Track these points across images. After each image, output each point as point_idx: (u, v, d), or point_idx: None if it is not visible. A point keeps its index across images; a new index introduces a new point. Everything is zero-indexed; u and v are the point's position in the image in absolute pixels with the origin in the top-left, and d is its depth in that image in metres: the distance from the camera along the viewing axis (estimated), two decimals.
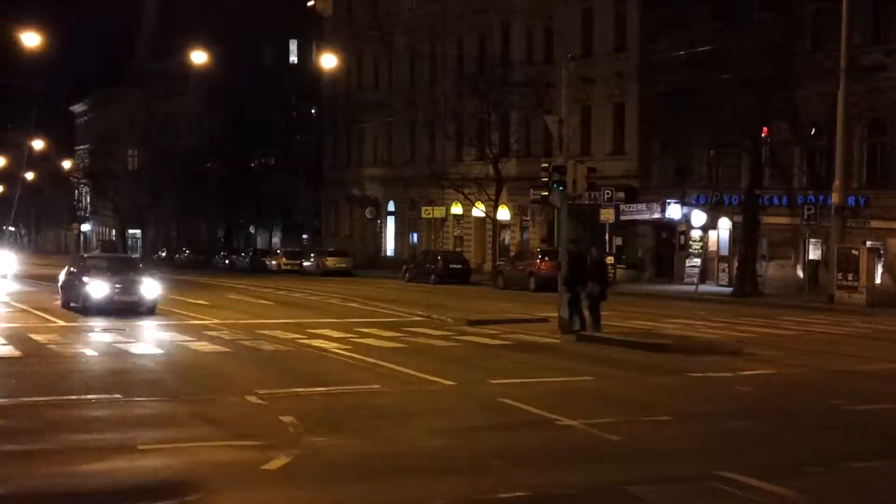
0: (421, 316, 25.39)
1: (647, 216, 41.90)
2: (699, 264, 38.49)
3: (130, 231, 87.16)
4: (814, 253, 34.84)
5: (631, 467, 9.20)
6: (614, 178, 41.28)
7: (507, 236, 50.47)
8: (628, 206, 41.99)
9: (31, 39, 32.38)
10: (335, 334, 20.41)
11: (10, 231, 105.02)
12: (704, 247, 39.54)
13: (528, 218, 49.00)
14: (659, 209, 40.89)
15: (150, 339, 19.16)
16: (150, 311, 24.65)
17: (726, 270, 39.10)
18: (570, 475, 8.89)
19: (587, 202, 38.53)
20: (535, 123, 44.09)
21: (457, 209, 53.14)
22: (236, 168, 67.30)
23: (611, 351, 18.14)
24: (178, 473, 8.72)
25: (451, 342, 19.43)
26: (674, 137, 39.56)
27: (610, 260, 40.33)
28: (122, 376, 14.42)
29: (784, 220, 36.40)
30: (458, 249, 51.31)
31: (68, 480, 8.46)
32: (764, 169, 35.43)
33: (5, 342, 18.19)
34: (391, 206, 60.20)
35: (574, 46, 41.51)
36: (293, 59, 71.26)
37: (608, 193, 41.13)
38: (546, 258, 37.46)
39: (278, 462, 9.04)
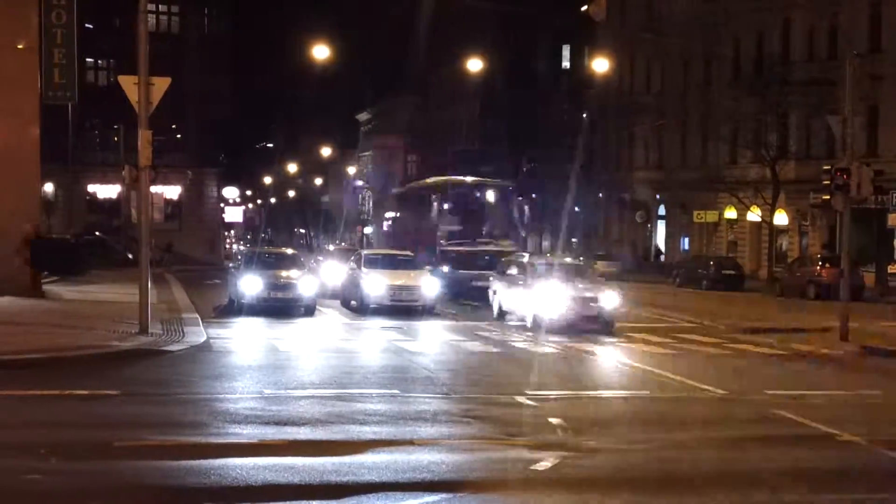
0: (692, 322, 24.87)
1: None
2: None
3: None
4: None
5: None
6: None
7: (784, 242, 48.51)
8: None
9: (321, 52, 34.51)
10: (604, 338, 20.38)
11: (301, 233, 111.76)
12: None
13: (807, 223, 46.86)
14: None
15: (425, 338, 19.88)
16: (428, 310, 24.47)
17: None
18: (850, 494, 8.48)
19: (873, 206, 36.38)
20: (816, 124, 42.09)
21: (730, 213, 51.65)
22: (508, 172, 68.42)
23: None
24: (451, 469, 9.03)
25: (723, 350, 18.94)
26: None
27: None
28: (400, 373, 15.07)
29: None
30: (731, 255, 49.82)
31: (349, 469, 8.96)
32: None
33: (293, 336, 19.43)
34: (661, 210, 59.32)
35: (860, 42, 39.33)
36: (565, 63, 71.67)
37: None
38: (827, 265, 35.74)
39: (547, 463, 9.17)
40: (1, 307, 20.58)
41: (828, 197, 21.62)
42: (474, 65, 45.63)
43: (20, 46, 23.29)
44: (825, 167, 22.05)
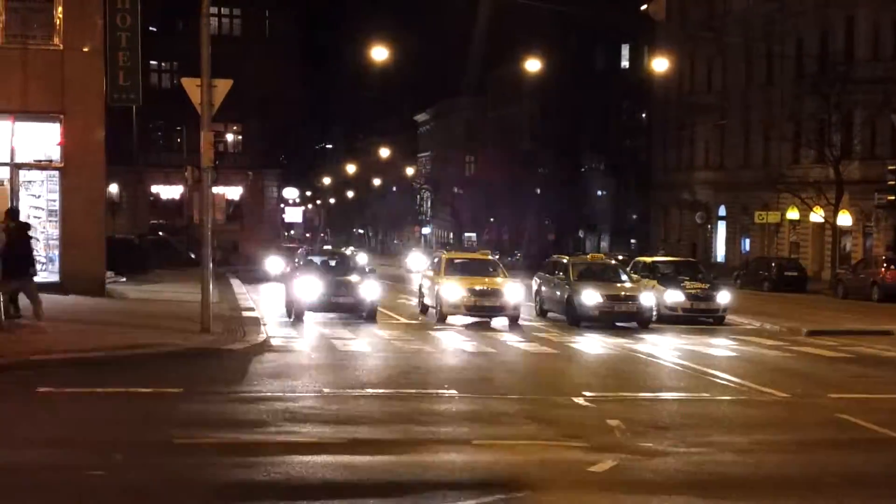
0: (753, 324, 24.59)
1: None
2: None
3: (466, 234, 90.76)
4: None
5: None
6: None
7: (847, 243, 47.69)
8: None
9: (379, 54, 34.63)
10: (661, 340, 20.23)
11: (360, 233, 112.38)
12: None
13: (871, 224, 46.01)
14: None
15: (484, 339, 19.89)
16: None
17: None
18: None
19: None
20: (881, 123, 41.36)
21: (793, 214, 50.88)
22: (567, 172, 68.25)
23: None
24: (509, 469, 9.02)
25: (784, 352, 18.71)
26: None
27: None
28: (457, 373, 15.11)
29: None
30: (793, 256, 49.10)
31: (407, 468, 9.01)
32: None
33: (353, 336, 19.58)
34: (722, 211, 58.64)
35: None
36: (624, 63, 71.23)
37: None
38: (892, 266, 35.05)
39: (605, 465, 9.15)
40: (67, 306, 20.98)
41: (893, 197, 21.26)
42: (533, 65, 45.43)
43: (85, 50, 23.72)
44: (890, 167, 21.66)
